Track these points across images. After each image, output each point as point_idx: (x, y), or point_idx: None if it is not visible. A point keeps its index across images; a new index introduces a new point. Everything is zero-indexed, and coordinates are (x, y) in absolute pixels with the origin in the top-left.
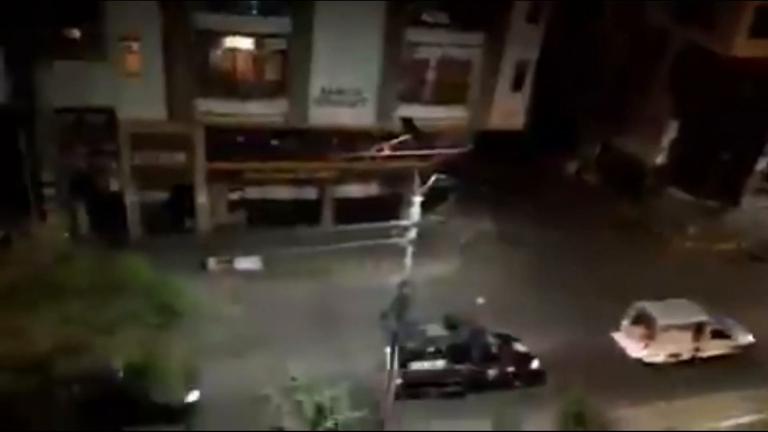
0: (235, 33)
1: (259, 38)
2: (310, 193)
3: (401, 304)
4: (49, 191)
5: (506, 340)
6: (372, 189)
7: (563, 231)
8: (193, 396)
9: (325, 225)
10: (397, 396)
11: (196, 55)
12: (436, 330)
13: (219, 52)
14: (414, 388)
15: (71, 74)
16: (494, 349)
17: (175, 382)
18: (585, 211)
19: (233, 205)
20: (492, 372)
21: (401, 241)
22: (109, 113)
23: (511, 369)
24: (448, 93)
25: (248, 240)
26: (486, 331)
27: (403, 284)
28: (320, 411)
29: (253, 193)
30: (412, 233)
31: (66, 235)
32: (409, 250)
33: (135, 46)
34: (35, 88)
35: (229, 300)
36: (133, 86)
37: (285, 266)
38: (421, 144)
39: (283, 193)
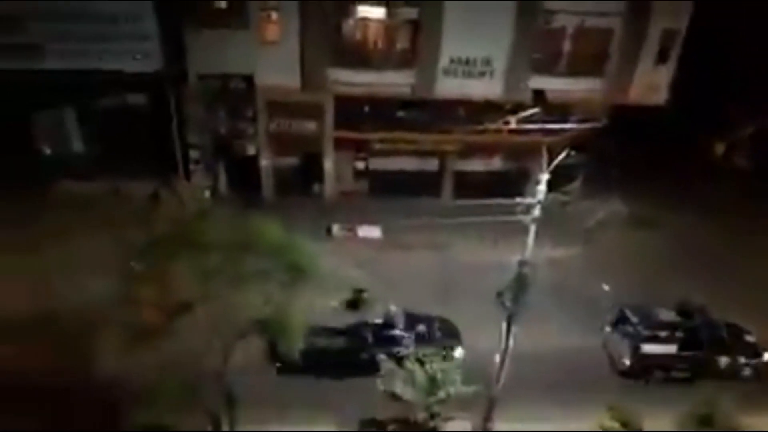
0: (368, 1)
1: (391, 7)
2: (432, 165)
3: (519, 284)
4: (194, 153)
5: (737, 330)
6: (495, 163)
7: (705, 217)
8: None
9: (445, 198)
10: (628, 375)
11: (329, 24)
12: (668, 315)
13: (351, 21)
14: (643, 369)
15: (217, 42)
16: (726, 339)
17: (297, 337)
18: (732, 196)
19: (358, 174)
20: (723, 361)
21: (524, 219)
22: (249, 80)
23: (742, 360)
24: (585, 64)
25: (370, 208)
26: (716, 319)
27: (523, 264)
28: (432, 381)
29: (377, 162)
30: (536, 211)
31: (207, 193)
32: (532, 228)
33: (274, 15)
34: (186, 56)
35: (351, 265)
36: (271, 54)
37: (405, 237)
38: (551, 118)
39: (405, 163)
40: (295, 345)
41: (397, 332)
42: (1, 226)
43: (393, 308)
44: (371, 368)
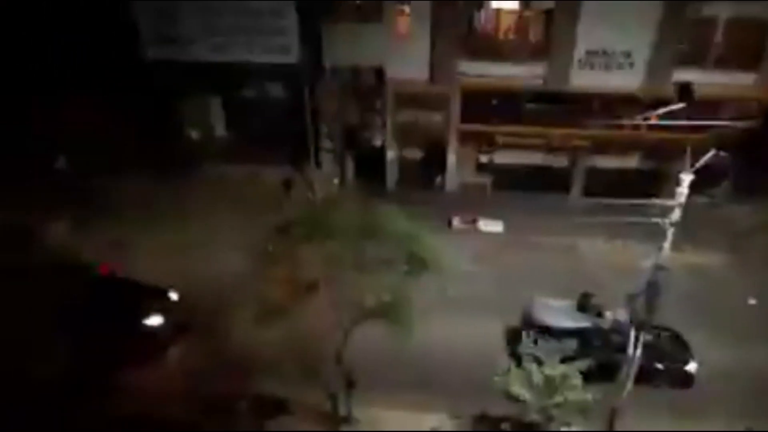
0: None
1: None
2: (562, 160)
3: (652, 290)
4: (325, 142)
5: None
6: (632, 161)
7: None
8: None
9: (574, 196)
10: None
11: (461, 16)
12: None
13: (483, 13)
14: None
15: (351, 36)
16: None
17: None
18: None
19: (481, 167)
20: None
21: (662, 222)
22: (379, 73)
23: None
24: (737, 57)
25: (492, 203)
26: None
27: (658, 269)
28: (550, 384)
29: (502, 156)
30: (676, 214)
31: (336, 181)
32: (670, 232)
33: (406, 8)
34: (321, 49)
35: (471, 260)
36: (401, 47)
37: (528, 234)
38: (697, 114)
39: (532, 158)
40: (411, 334)
41: (625, 339)
42: (153, 205)
43: (615, 314)
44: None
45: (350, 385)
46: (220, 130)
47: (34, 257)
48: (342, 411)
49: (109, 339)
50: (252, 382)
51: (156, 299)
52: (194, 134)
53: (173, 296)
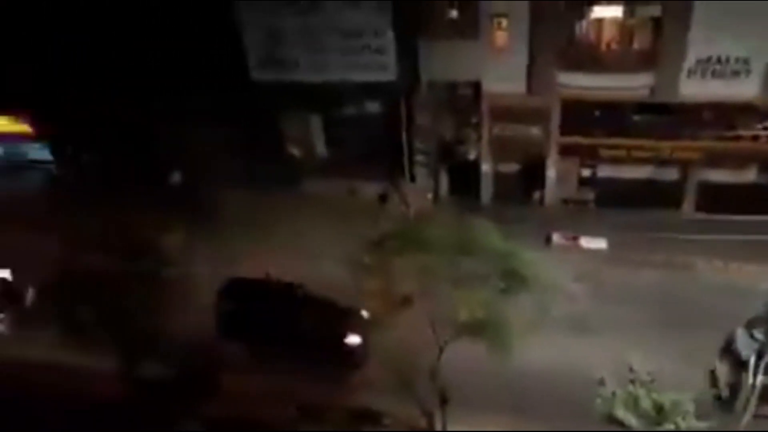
0: (605, 1)
1: (631, 5)
2: (671, 174)
3: None
4: (420, 157)
5: None
6: (749, 175)
7: None
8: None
9: (685, 212)
10: None
11: (561, 27)
12: None
13: (584, 22)
14: None
15: (448, 51)
16: None
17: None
18: None
19: (583, 182)
20: None
21: None
22: (476, 87)
23: None
24: None
25: (595, 219)
26: None
27: None
28: (659, 411)
29: (605, 170)
30: None
31: (430, 196)
32: None
33: (504, 22)
34: (417, 66)
35: (571, 277)
36: (498, 60)
37: (634, 251)
38: None
39: (638, 172)
40: (507, 352)
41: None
42: (258, 220)
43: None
44: None
45: (444, 401)
46: (320, 147)
47: (151, 267)
48: (437, 428)
49: (315, 358)
50: (345, 394)
51: (352, 318)
52: (296, 152)
53: (365, 315)
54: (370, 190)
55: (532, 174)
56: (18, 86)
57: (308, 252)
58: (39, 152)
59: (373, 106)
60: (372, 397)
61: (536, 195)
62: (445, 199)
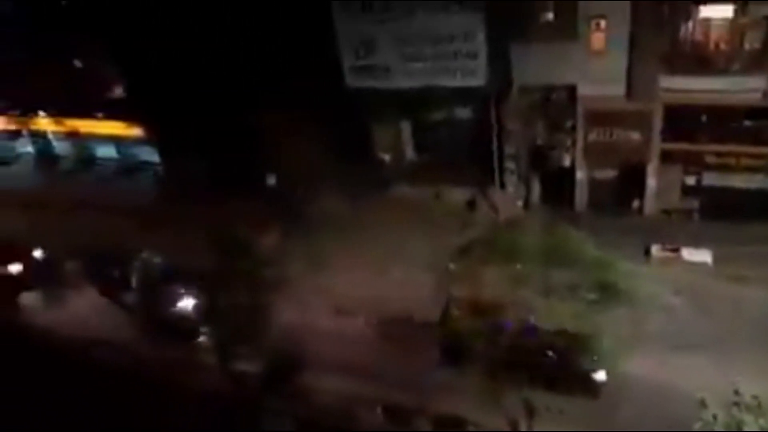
0: (714, 0)
1: (743, 3)
2: None
3: None
4: (510, 163)
5: None
6: None
7: None
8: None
9: None
10: None
11: (664, 28)
12: None
13: (690, 24)
14: None
15: (542, 55)
16: None
17: (606, 360)
18: None
19: (686, 191)
20: None
21: None
22: (570, 91)
23: None
24: None
25: (699, 230)
26: None
27: None
28: None
29: (711, 178)
30: None
31: (520, 203)
32: None
33: (603, 23)
34: (508, 70)
35: (671, 291)
36: (596, 64)
37: (740, 266)
38: None
39: (748, 181)
40: (603, 366)
41: None
42: (348, 223)
43: None
44: None
45: (530, 412)
46: (409, 152)
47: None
48: None
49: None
50: (431, 399)
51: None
52: (386, 157)
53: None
54: (458, 195)
55: (631, 181)
56: (132, 93)
57: (395, 257)
58: (149, 154)
59: (463, 112)
60: (457, 402)
61: (635, 204)
62: (537, 206)
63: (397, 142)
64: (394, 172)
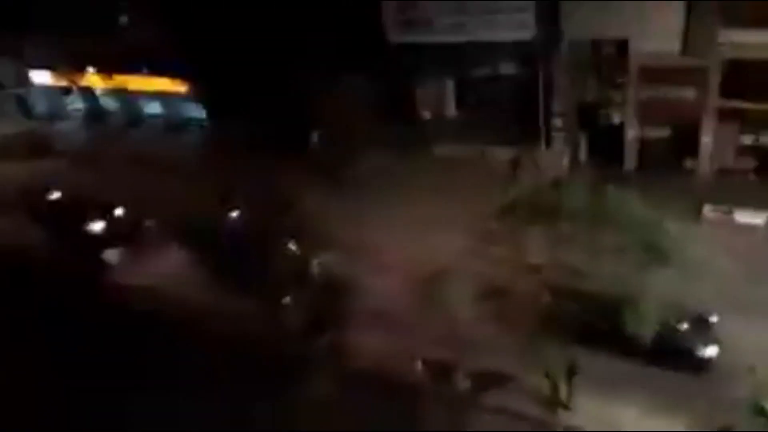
0: None
1: None
2: None
3: None
4: (557, 121)
5: None
6: None
7: None
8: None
9: None
10: None
11: None
12: None
13: None
14: None
15: (593, 8)
16: None
17: (649, 322)
18: None
19: (743, 150)
20: None
21: None
22: (622, 46)
23: None
24: None
25: (754, 192)
26: None
27: None
28: None
29: None
30: None
31: (566, 162)
32: None
33: None
34: (558, 24)
35: (722, 253)
36: (650, 17)
37: None
38: None
39: None
40: (646, 330)
41: None
42: (389, 182)
43: None
44: None
45: (572, 372)
46: (452, 110)
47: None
48: (562, 397)
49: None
50: (470, 356)
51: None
52: (427, 114)
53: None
54: (502, 154)
55: (685, 140)
56: (177, 50)
57: (437, 216)
58: (195, 111)
59: (508, 67)
60: (499, 359)
61: (688, 163)
62: (584, 165)
63: (439, 99)
64: (436, 130)
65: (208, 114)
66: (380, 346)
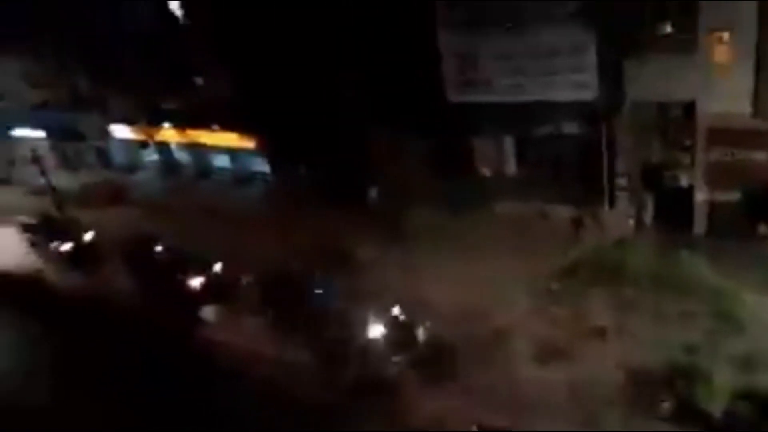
0: None
1: None
2: None
3: None
4: (621, 181)
5: None
6: None
7: None
8: None
9: None
10: None
11: None
12: None
13: None
14: None
15: (658, 69)
16: None
17: (721, 396)
18: None
19: None
20: None
21: None
22: (689, 107)
23: None
24: None
25: None
26: None
27: None
28: None
29: None
30: None
31: (630, 222)
32: None
33: (726, 36)
34: (622, 84)
35: None
36: (717, 79)
37: None
38: None
39: None
40: (718, 405)
41: None
42: (447, 238)
43: None
44: None
45: None
46: (511, 167)
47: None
48: None
49: None
50: (527, 421)
51: None
52: (486, 171)
53: None
54: (564, 213)
55: (757, 205)
56: (245, 109)
57: (494, 275)
58: (260, 165)
59: (570, 127)
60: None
61: (762, 229)
62: (650, 227)
63: (499, 157)
64: (496, 187)
65: (272, 168)
66: (435, 407)
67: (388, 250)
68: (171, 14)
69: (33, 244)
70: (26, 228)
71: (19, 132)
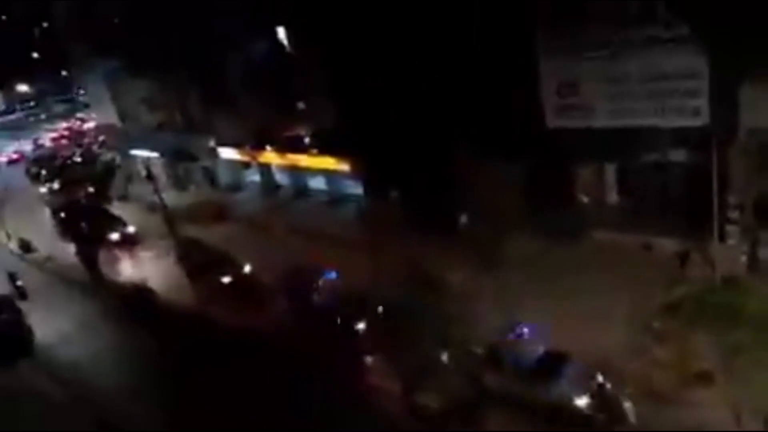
0: None
1: None
2: None
3: None
4: (732, 213)
5: None
6: None
7: None
8: None
9: None
10: None
11: None
12: None
13: None
14: None
15: None
16: None
17: None
18: None
19: None
20: None
21: None
22: None
23: None
24: None
25: None
26: None
27: None
28: None
29: None
30: None
31: (743, 259)
32: None
33: None
34: (735, 111)
35: None
36: None
37: None
38: None
39: None
40: None
41: None
42: (541, 267)
43: None
44: None
45: None
46: (612, 196)
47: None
48: None
49: None
50: None
51: None
52: (586, 199)
53: None
54: (669, 246)
55: None
56: (342, 134)
57: (592, 309)
58: (353, 188)
59: (678, 154)
60: None
61: None
62: (764, 265)
63: (599, 184)
64: (595, 216)
65: (365, 191)
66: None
67: (478, 277)
68: (280, 46)
69: (189, 275)
70: (180, 256)
71: (136, 151)
